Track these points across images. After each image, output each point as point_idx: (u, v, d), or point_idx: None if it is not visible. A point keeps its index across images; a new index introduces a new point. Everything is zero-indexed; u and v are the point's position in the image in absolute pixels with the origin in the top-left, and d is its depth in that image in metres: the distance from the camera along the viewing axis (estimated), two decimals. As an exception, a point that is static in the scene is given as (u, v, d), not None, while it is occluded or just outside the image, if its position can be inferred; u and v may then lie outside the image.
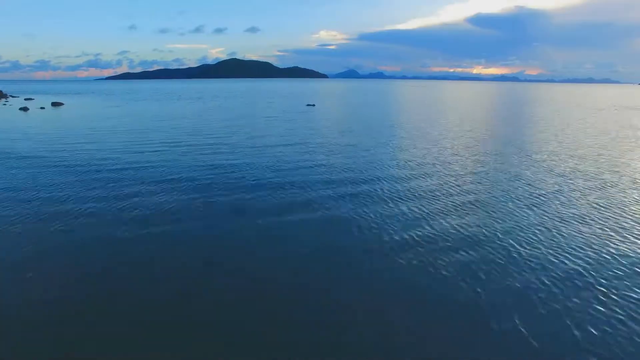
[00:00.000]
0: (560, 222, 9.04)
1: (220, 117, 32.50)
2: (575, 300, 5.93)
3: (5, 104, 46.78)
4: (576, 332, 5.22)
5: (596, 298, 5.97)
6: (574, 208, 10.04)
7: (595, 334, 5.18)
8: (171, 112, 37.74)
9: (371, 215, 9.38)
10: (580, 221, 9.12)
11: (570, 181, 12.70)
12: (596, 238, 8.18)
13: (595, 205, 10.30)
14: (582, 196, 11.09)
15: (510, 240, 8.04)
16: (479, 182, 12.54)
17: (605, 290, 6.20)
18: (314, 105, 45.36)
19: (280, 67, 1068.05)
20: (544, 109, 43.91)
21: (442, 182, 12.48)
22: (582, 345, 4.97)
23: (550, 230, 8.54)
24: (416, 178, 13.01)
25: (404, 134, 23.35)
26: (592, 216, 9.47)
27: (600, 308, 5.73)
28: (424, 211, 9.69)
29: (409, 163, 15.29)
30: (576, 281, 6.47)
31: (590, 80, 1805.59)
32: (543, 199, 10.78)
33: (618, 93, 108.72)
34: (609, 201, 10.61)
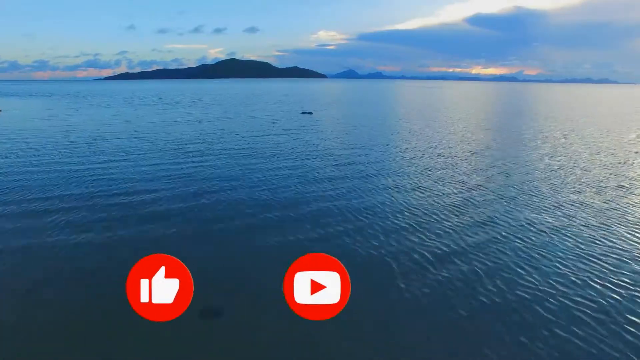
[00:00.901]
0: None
1: (167, 141, 20.84)
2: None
3: None
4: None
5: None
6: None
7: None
8: (113, 128, 26.53)
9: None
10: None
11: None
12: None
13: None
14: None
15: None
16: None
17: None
18: (310, 113, 36.36)
19: (280, 67, 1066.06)
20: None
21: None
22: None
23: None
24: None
25: (432, 167, 15.34)
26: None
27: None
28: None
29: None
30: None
31: (588, 80, 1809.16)
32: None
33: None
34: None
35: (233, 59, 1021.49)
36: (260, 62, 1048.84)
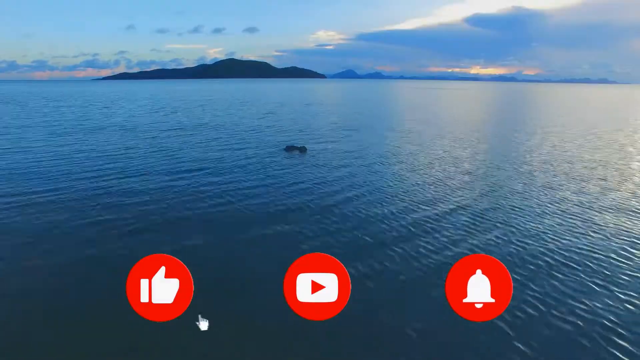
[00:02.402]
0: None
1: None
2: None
3: None
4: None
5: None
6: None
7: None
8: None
9: None
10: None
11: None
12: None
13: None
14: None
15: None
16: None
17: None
18: (303, 149, 18.89)
19: (279, 67, 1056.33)
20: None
21: None
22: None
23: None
24: None
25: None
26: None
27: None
28: None
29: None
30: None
31: (587, 81, 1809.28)
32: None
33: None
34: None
35: (232, 59, 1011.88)
36: (260, 62, 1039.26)
